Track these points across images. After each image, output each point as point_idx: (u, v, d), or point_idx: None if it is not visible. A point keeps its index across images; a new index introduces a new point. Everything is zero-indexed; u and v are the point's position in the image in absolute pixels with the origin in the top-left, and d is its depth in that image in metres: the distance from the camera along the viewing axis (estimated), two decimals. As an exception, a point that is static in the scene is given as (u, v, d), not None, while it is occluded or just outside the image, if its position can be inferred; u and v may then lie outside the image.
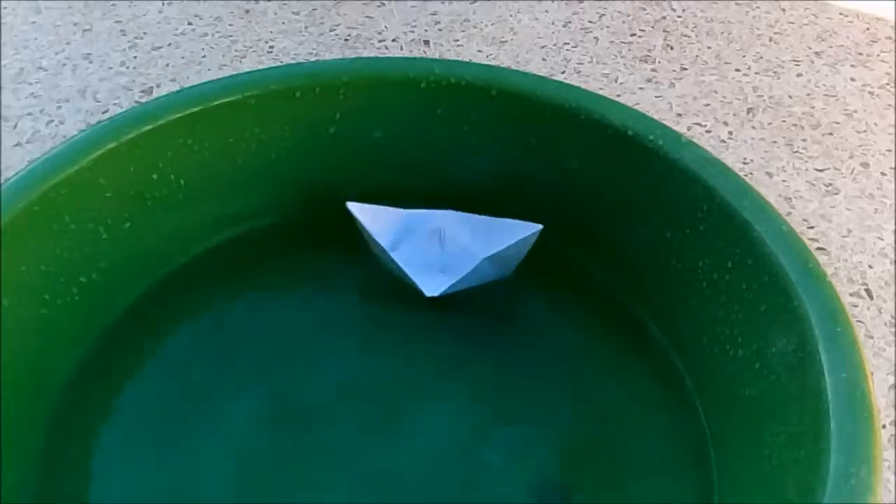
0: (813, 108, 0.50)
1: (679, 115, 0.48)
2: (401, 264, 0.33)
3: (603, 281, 0.34)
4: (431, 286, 0.33)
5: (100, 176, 0.30)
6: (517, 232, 0.33)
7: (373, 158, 0.35)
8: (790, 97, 0.50)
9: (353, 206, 0.33)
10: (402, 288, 0.33)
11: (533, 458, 0.30)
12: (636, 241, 0.33)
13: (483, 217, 0.34)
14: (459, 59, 0.47)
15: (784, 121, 0.49)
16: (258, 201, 0.35)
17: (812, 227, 0.43)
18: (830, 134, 0.48)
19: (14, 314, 0.28)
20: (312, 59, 0.47)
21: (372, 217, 0.34)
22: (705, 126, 0.48)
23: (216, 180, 0.34)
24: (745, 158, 0.46)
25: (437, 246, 0.34)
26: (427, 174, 0.36)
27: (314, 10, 0.52)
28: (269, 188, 0.35)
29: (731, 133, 0.48)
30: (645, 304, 0.33)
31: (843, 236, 0.42)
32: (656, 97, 0.49)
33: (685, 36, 0.54)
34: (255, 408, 0.30)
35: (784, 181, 0.45)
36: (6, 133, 0.44)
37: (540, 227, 0.33)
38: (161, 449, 0.29)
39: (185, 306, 0.33)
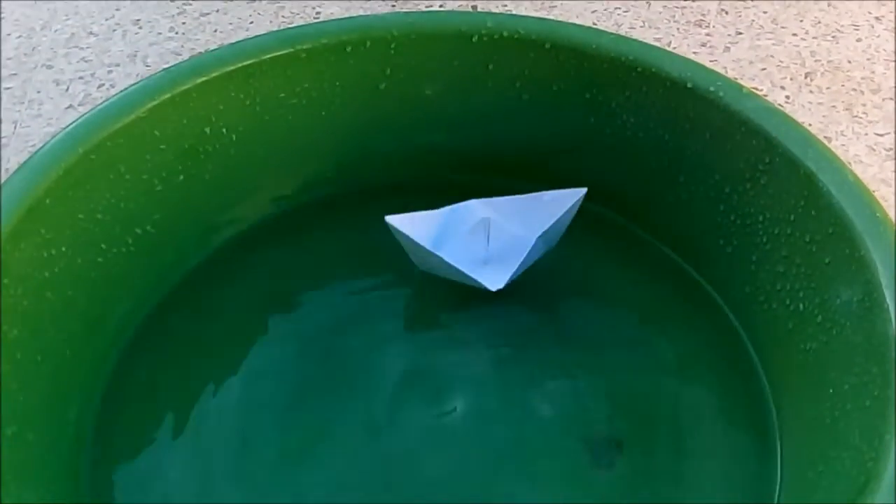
0: (873, 72, 0.48)
1: (735, 79, 0.46)
2: (453, 263, 0.31)
3: (656, 239, 0.34)
4: (493, 279, 0.31)
5: (154, 127, 0.30)
6: (563, 202, 0.32)
7: (423, 115, 0.35)
8: (849, 62, 0.49)
9: (393, 219, 0.31)
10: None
11: (584, 412, 0.29)
12: (692, 197, 0.32)
13: (522, 197, 0.33)
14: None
15: (843, 85, 0.47)
16: (310, 158, 0.35)
17: (873, 192, 0.41)
18: (891, 98, 0.47)
19: (71, 261, 0.29)
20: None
21: (411, 224, 0.32)
22: (762, 91, 0.47)
23: (268, 136, 0.34)
24: (803, 123, 0.45)
25: (483, 238, 0.32)
26: (478, 132, 0.35)
27: (362, -24, 0.52)
28: (320, 145, 0.35)
29: (788, 97, 0.46)
30: (699, 262, 0.32)
31: (905, 201, 0.41)
32: (711, 61, 0.48)
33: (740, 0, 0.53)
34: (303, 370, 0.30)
35: (843, 146, 0.44)
36: (59, 96, 0.44)
37: (584, 190, 0.32)
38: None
39: (241, 264, 0.33)
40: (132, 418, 0.29)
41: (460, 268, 0.31)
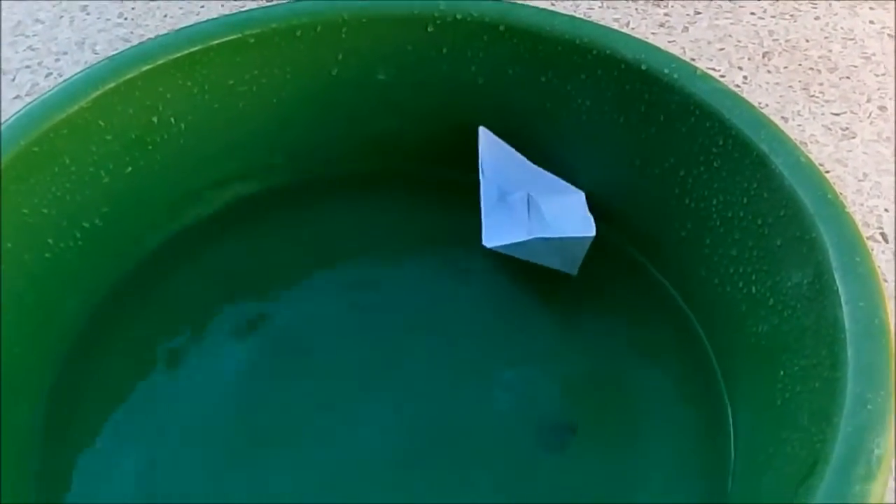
0: (830, 51, 0.48)
1: (692, 59, 0.46)
2: (482, 198, 0.32)
3: (609, 225, 0.33)
4: (490, 236, 0.32)
5: (99, 117, 0.30)
6: (581, 228, 0.31)
7: (377, 101, 0.34)
8: (807, 41, 0.49)
9: (483, 132, 0.33)
10: (407, 239, 0.33)
11: (537, 399, 0.29)
12: (646, 182, 0.32)
13: (570, 200, 0.33)
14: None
15: (800, 65, 0.47)
16: (261, 147, 0.34)
17: (828, 172, 0.42)
18: (848, 77, 0.47)
19: (17, 257, 0.28)
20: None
21: (490, 149, 0.33)
22: (719, 71, 0.47)
23: (217, 125, 0.33)
24: (760, 103, 0.45)
25: (524, 207, 0.33)
26: (433, 116, 0.35)
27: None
28: (271, 133, 0.34)
29: (745, 78, 0.46)
30: (650, 247, 0.32)
31: (860, 180, 0.41)
32: (669, 42, 0.48)
33: (698, -20, 0.52)
34: (257, 347, 0.30)
35: (800, 125, 0.44)
36: (5, 86, 0.43)
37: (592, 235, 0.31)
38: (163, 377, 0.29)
39: (191, 255, 0.33)
40: (82, 414, 0.29)
41: (483, 205, 0.33)
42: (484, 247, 0.32)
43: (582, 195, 0.33)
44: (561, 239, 0.31)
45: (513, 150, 0.33)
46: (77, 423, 0.29)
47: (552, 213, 0.32)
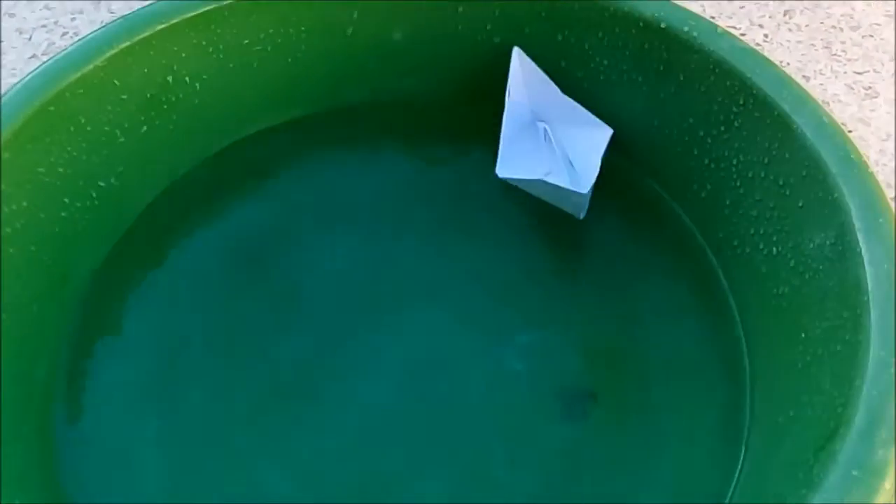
0: (853, 9, 0.47)
1: (712, 17, 0.46)
2: (504, 123, 0.32)
3: (632, 183, 0.33)
4: (503, 166, 0.32)
5: (114, 77, 0.29)
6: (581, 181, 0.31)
7: (393, 61, 0.34)
8: (829, -2, 0.48)
9: (517, 53, 0.32)
10: (424, 185, 0.33)
11: (556, 364, 0.29)
12: (666, 141, 0.32)
13: (594, 138, 0.32)
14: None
15: (822, 23, 0.47)
16: (275, 107, 0.34)
17: (851, 132, 0.41)
18: (871, 36, 0.46)
19: (33, 216, 0.28)
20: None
21: (522, 71, 0.32)
22: (739, 29, 0.46)
23: (232, 84, 0.33)
24: (781, 62, 0.44)
25: (543, 140, 0.33)
26: (449, 76, 0.34)
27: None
28: (286, 92, 0.34)
29: (766, 36, 0.46)
30: (676, 206, 0.32)
31: (883, 140, 0.41)
32: (688, 0, 0.47)
33: (719, -63, 0.51)
34: (269, 301, 0.30)
35: (821, 84, 0.43)
36: (22, 45, 0.43)
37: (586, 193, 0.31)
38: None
39: (203, 211, 0.33)
40: (102, 372, 0.29)
41: (503, 133, 0.32)
42: (498, 178, 0.32)
43: (608, 133, 0.32)
44: (559, 188, 0.31)
45: (545, 76, 0.33)
46: (95, 384, 0.29)
47: (569, 152, 0.32)
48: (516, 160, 0.32)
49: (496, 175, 0.32)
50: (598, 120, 0.32)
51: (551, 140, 0.32)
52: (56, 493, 0.26)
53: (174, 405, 0.28)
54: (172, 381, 0.29)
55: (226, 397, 0.28)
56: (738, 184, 0.29)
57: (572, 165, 0.32)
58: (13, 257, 0.28)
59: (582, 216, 0.32)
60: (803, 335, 0.25)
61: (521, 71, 0.33)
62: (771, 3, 0.47)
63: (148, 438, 0.28)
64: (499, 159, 0.32)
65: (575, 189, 0.31)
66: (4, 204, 0.27)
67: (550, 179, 0.31)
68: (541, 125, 0.33)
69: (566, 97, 0.33)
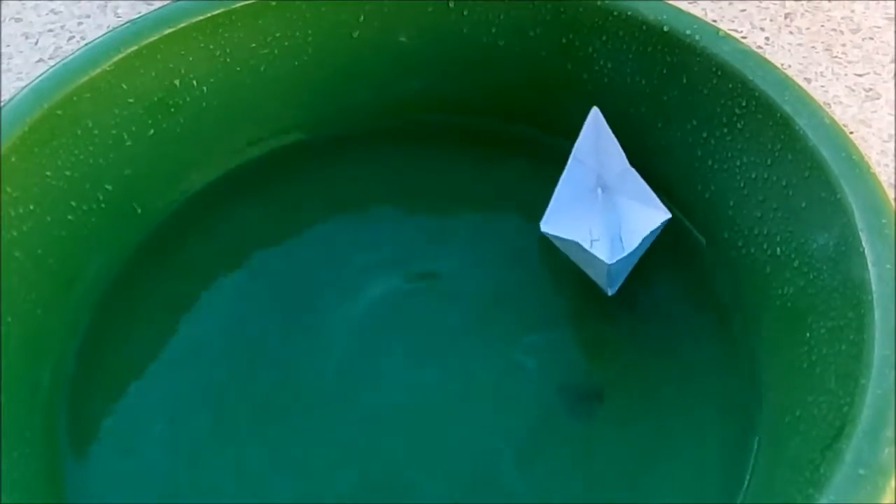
0: (853, 11, 0.48)
1: (714, 21, 0.46)
2: (562, 180, 0.31)
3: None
4: (549, 223, 0.31)
5: (121, 81, 0.30)
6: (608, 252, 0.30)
7: (398, 63, 0.34)
8: (829, 0, 0.48)
9: (595, 113, 0.31)
10: (438, 198, 0.33)
11: (563, 363, 0.29)
12: (670, 144, 0.32)
13: (646, 217, 0.30)
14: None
15: (823, 25, 0.47)
16: (282, 109, 0.34)
17: (852, 133, 0.41)
18: (871, 38, 0.46)
19: (40, 219, 0.28)
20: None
21: (595, 133, 0.31)
22: (741, 32, 0.46)
23: (239, 87, 0.33)
24: (782, 64, 0.44)
25: (599, 205, 0.31)
26: (454, 79, 0.35)
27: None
28: (293, 96, 0.34)
29: (768, 39, 0.46)
30: (677, 208, 0.32)
31: (884, 141, 0.41)
32: (690, 3, 0.47)
33: (720, -60, 0.52)
34: (279, 305, 0.31)
35: (823, 87, 0.43)
36: (28, 49, 0.43)
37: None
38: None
39: (213, 217, 0.33)
40: (107, 377, 0.29)
41: (558, 190, 0.31)
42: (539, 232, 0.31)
43: (665, 217, 0.30)
44: (595, 258, 0.29)
45: (617, 143, 0.31)
46: (102, 385, 0.29)
47: (622, 226, 0.31)
48: (564, 220, 0.31)
49: (539, 229, 0.31)
50: (658, 201, 0.31)
51: (607, 209, 0.31)
52: (61, 498, 0.27)
53: (180, 411, 0.28)
54: (179, 387, 0.29)
55: (232, 404, 0.28)
56: (742, 185, 0.29)
57: (620, 240, 0.31)
58: (19, 261, 0.28)
59: (611, 293, 0.30)
60: (808, 335, 0.25)
61: (595, 135, 0.31)
62: (772, 6, 0.48)
63: (154, 444, 0.28)
64: (546, 214, 0.31)
65: (600, 256, 0.29)
66: (11, 207, 0.27)
67: (593, 248, 0.30)
68: (599, 192, 0.32)
69: (633, 170, 0.31)
